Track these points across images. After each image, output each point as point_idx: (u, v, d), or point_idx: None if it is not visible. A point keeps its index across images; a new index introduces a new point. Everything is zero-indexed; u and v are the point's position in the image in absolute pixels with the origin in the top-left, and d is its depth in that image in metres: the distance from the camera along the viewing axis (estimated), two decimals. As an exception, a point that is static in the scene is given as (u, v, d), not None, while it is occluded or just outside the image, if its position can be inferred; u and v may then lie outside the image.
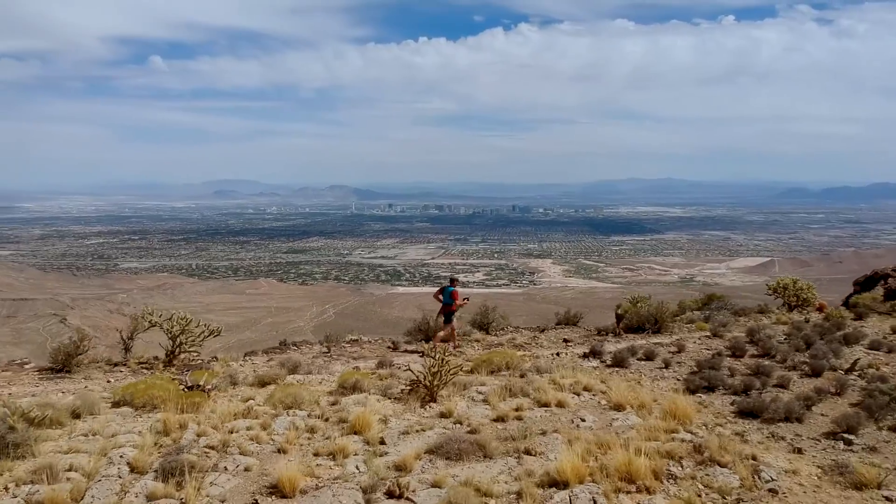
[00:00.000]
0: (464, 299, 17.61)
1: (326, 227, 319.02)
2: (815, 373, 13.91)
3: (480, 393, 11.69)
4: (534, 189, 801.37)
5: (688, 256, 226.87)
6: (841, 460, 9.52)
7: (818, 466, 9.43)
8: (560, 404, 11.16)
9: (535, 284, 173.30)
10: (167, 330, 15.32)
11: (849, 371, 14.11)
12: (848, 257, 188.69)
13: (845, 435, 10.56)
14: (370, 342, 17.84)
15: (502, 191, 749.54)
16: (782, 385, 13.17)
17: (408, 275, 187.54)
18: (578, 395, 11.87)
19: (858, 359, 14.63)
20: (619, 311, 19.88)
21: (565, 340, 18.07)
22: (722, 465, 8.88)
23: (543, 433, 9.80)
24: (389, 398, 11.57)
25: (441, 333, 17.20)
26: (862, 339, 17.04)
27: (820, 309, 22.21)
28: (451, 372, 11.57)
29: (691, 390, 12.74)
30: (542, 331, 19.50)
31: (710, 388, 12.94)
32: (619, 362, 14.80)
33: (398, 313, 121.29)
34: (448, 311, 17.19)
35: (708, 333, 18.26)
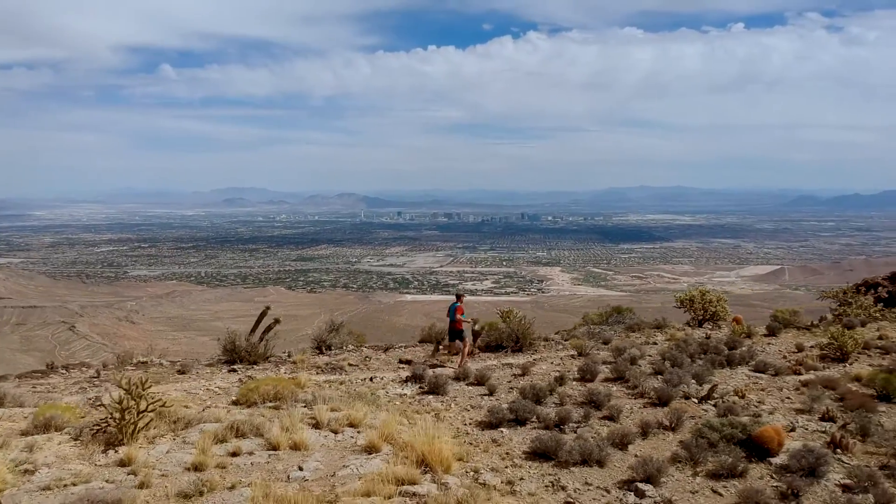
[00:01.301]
0: (470, 319, 17.04)
1: (335, 234, 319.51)
2: (662, 401, 12.37)
3: (204, 432, 10.09)
4: (543, 197, 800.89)
5: (697, 264, 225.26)
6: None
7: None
8: (296, 446, 9.67)
9: (543, 292, 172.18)
10: None
11: (704, 399, 12.66)
12: (859, 265, 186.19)
13: (640, 484, 9.02)
14: (161, 364, 16.32)
15: (511, 199, 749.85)
16: (611, 417, 11.66)
17: (416, 283, 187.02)
18: (337, 432, 10.40)
19: (716, 385, 13.22)
20: (476, 328, 18.04)
21: (401, 361, 16.59)
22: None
23: (233, 487, 8.29)
24: (78, 440, 9.99)
25: (465, 350, 16.55)
26: (751, 360, 15.63)
27: (735, 322, 20.92)
28: (149, 409, 10.02)
29: (494, 424, 11.25)
30: (387, 350, 18.10)
31: (520, 422, 11.37)
32: (434, 388, 13.40)
33: (406, 321, 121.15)
34: (454, 328, 16.60)
35: (574, 353, 16.89)
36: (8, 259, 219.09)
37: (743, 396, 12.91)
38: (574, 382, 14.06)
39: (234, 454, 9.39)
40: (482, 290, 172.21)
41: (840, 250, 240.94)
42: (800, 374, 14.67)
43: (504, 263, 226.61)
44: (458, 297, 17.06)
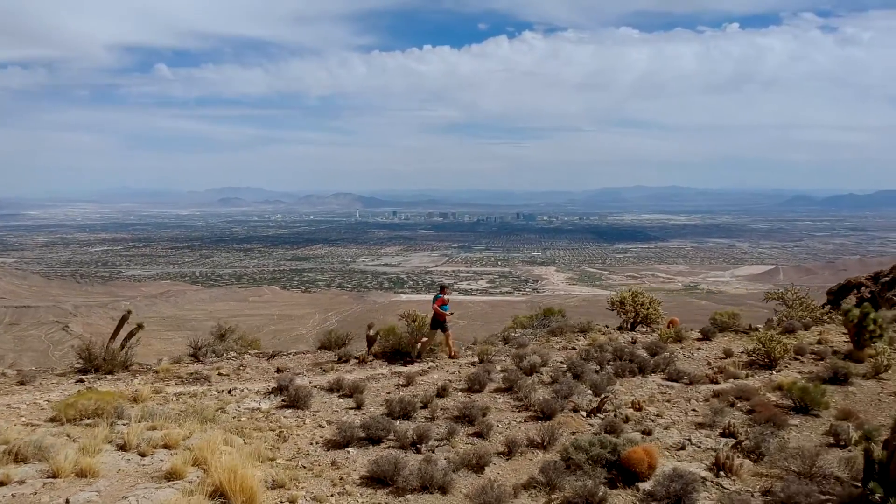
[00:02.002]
0: (449, 313, 16.84)
1: (331, 234, 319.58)
2: (546, 415, 11.43)
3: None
4: (538, 197, 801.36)
5: (692, 264, 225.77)
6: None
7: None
8: (82, 473, 8.43)
9: (538, 292, 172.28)
10: None
11: (593, 413, 11.67)
12: (853, 265, 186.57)
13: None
14: (4, 374, 14.95)
15: (507, 198, 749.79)
16: (480, 434, 10.70)
17: (411, 282, 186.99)
18: (145, 455, 9.23)
19: (606, 396, 12.24)
20: (371, 333, 17.03)
21: (279, 370, 15.48)
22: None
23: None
24: None
25: (448, 339, 16.63)
26: (667, 367, 14.56)
27: (670, 325, 19.82)
28: None
29: (342, 443, 10.27)
30: (272, 357, 16.93)
31: (373, 440, 10.33)
32: (295, 401, 12.33)
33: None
34: (436, 319, 16.57)
35: (476, 359, 16.00)
36: (2, 259, 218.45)
37: (640, 409, 12.03)
38: (459, 393, 13.12)
39: (1, 483, 8.15)
40: (477, 289, 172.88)
41: (835, 250, 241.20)
42: (717, 382, 13.80)
43: (499, 263, 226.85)
44: (442, 288, 17.06)
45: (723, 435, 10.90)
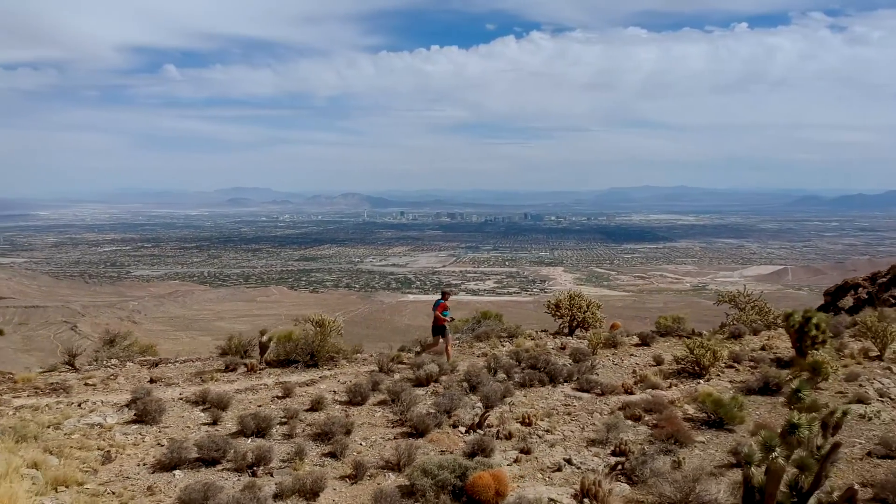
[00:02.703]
0: (449, 318, 16.61)
1: (338, 234, 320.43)
2: (419, 431, 10.62)
3: None
4: (546, 197, 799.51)
5: (700, 264, 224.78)
6: None
7: None
8: None
9: (545, 292, 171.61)
10: None
11: (473, 428, 10.90)
12: (862, 265, 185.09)
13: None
14: None
15: (514, 198, 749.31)
16: (334, 454, 9.89)
17: (418, 283, 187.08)
18: None
19: (487, 412, 11.29)
20: (263, 340, 16.10)
21: (152, 380, 14.55)
22: None
23: None
24: None
25: (444, 345, 16.20)
26: (579, 376, 13.63)
27: (611, 328, 19.10)
28: None
29: (170, 465, 9.41)
30: (155, 365, 15.99)
31: (208, 462, 9.53)
32: (143, 416, 11.41)
33: (408, 321, 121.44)
34: (435, 324, 16.36)
35: (376, 368, 15.11)
36: (11, 259, 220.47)
37: (529, 423, 11.09)
38: (338, 406, 12.30)
39: None
40: (485, 289, 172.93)
41: (844, 250, 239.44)
42: (632, 393, 12.91)
43: (507, 263, 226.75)
44: (444, 293, 16.76)
45: (614, 454, 10.06)
